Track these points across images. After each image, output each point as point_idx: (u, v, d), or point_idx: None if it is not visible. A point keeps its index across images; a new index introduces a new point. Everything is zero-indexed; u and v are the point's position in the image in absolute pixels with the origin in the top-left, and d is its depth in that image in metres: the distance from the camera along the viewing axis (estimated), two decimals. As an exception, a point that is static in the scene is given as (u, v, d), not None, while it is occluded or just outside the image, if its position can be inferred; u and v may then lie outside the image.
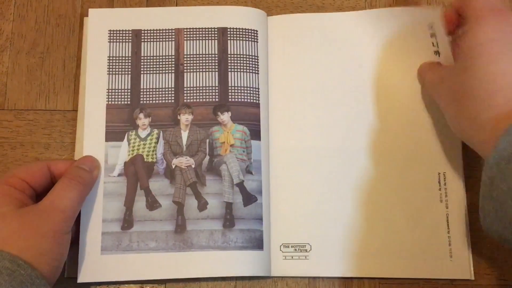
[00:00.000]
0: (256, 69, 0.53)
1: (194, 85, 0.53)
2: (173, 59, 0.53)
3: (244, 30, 0.53)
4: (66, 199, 0.44)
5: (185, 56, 0.53)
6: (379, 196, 0.50)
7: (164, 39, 0.53)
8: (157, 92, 0.53)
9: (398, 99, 0.52)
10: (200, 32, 0.53)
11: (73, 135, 0.52)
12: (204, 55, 0.53)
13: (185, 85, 0.53)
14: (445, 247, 0.49)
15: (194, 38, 0.53)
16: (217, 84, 0.52)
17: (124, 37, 0.53)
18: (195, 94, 0.53)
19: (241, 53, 0.53)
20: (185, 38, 0.53)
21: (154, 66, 0.53)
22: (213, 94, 0.52)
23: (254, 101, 0.52)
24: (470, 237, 0.49)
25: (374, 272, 0.49)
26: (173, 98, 0.52)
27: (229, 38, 0.53)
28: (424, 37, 0.51)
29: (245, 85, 0.52)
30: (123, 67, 0.52)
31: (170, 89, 0.53)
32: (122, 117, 0.51)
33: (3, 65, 0.54)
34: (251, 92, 0.52)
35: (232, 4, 0.55)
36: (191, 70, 0.53)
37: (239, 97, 0.52)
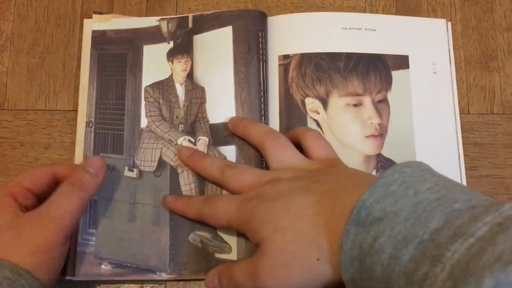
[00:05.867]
0: None
1: None
2: None
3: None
4: (63, 206, 0.42)
5: None
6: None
7: None
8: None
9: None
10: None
11: (73, 135, 0.52)
12: None
13: None
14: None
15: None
16: None
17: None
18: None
19: None
20: None
21: None
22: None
23: None
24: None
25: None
26: None
27: None
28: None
29: None
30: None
31: None
32: None
33: (3, 65, 0.54)
34: None
35: (232, 5, 0.55)
36: None
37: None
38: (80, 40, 0.54)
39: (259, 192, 0.43)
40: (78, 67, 0.53)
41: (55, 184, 0.45)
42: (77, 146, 0.51)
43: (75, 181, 0.44)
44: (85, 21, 0.54)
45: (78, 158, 0.50)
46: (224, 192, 0.48)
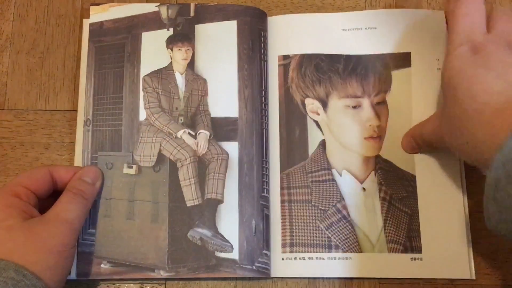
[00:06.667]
0: None
1: None
2: None
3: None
4: (71, 211, 0.44)
5: None
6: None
7: None
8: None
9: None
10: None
11: (73, 135, 0.52)
12: None
13: None
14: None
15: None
16: None
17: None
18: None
19: None
20: None
21: None
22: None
23: None
24: (470, 237, 0.49)
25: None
26: None
27: None
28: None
29: None
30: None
31: None
32: None
33: (3, 65, 0.54)
34: None
35: (233, 4, 0.55)
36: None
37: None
38: (80, 40, 0.54)
39: (482, 44, 0.41)
40: (78, 67, 0.53)
41: (53, 185, 0.46)
42: (76, 146, 0.51)
43: (76, 190, 0.45)
44: (85, 21, 0.54)
45: (78, 158, 0.50)
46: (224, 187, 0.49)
